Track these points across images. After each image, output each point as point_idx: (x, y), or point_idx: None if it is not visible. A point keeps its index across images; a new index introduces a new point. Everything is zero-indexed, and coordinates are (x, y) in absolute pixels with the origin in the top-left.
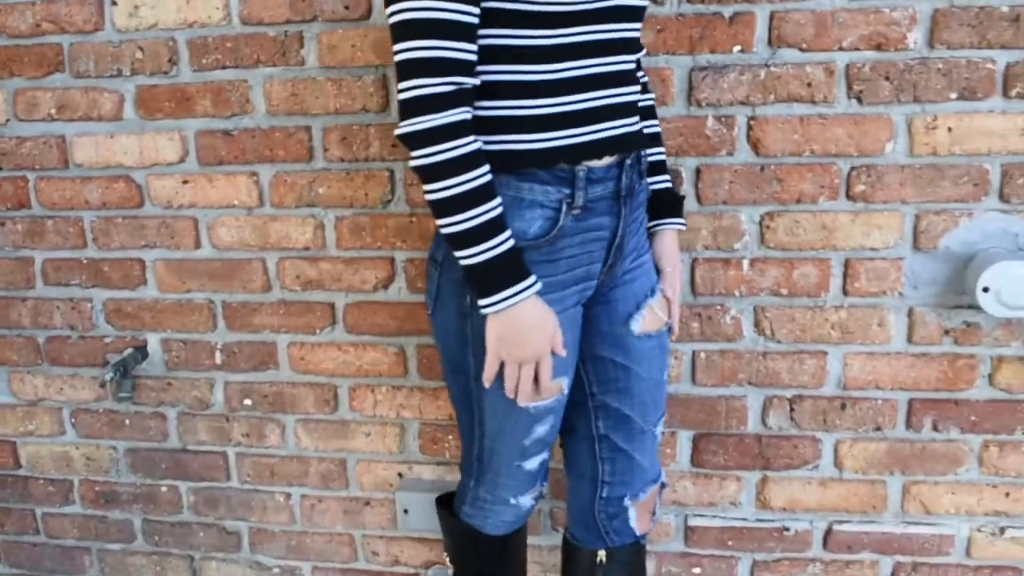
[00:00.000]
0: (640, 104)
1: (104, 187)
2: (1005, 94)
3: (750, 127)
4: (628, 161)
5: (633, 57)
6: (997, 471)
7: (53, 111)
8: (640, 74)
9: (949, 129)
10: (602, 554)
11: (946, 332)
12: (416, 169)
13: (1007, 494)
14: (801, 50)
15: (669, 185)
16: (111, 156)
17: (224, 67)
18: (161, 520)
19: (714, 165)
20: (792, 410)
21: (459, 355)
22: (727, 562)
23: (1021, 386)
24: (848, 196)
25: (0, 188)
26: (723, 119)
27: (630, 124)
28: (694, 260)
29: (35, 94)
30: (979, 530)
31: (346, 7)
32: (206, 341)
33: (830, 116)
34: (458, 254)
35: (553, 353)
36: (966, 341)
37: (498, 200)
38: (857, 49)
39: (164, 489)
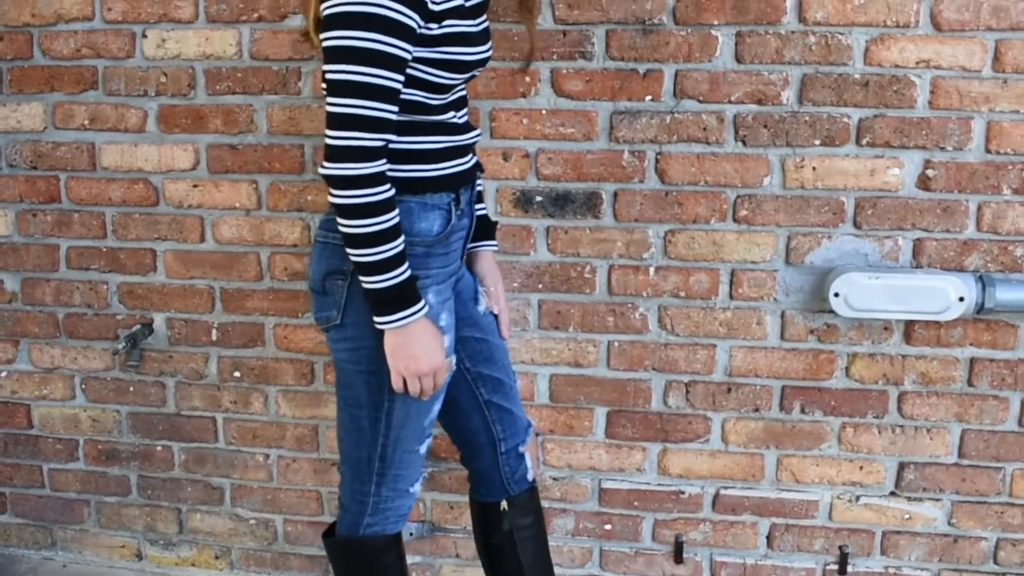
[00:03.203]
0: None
1: (126, 187)
2: (858, 142)
3: (658, 160)
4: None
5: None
6: (852, 448)
7: (86, 122)
8: None
9: (814, 168)
10: (504, 503)
11: (811, 331)
12: (338, 207)
13: (861, 467)
14: (699, 101)
15: (486, 212)
16: (133, 162)
17: (234, 93)
18: (154, 476)
19: (628, 190)
20: (688, 392)
21: (376, 353)
22: (633, 520)
23: (871, 378)
24: (734, 219)
25: (35, 184)
26: (636, 153)
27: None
28: (611, 267)
29: (71, 107)
30: (839, 497)
31: None
32: (204, 320)
33: (721, 154)
34: (366, 279)
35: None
36: (827, 339)
37: (402, 238)
38: (743, 103)
39: (159, 448)
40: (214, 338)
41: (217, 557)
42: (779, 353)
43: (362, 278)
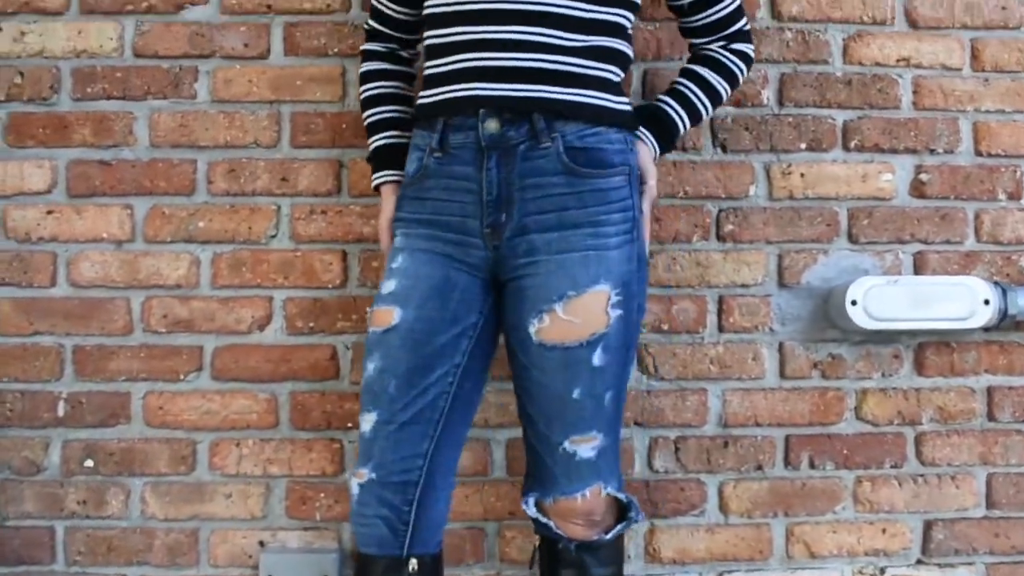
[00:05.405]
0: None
1: None
2: (845, 146)
3: None
4: (484, 111)
5: (537, 29)
6: (871, 507)
7: None
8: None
9: (802, 175)
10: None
11: (814, 365)
12: None
13: (883, 530)
14: None
15: (663, 105)
16: None
17: (110, 97)
18: None
19: None
20: (677, 451)
21: None
22: None
23: (885, 417)
24: (718, 236)
25: None
26: None
27: (499, 88)
28: None
29: None
30: (860, 572)
31: (245, 45)
32: (48, 392)
33: (699, 162)
34: None
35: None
36: (832, 374)
37: (375, 111)
38: None
39: None
40: (60, 414)
41: None
42: (780, 394)
43: None
